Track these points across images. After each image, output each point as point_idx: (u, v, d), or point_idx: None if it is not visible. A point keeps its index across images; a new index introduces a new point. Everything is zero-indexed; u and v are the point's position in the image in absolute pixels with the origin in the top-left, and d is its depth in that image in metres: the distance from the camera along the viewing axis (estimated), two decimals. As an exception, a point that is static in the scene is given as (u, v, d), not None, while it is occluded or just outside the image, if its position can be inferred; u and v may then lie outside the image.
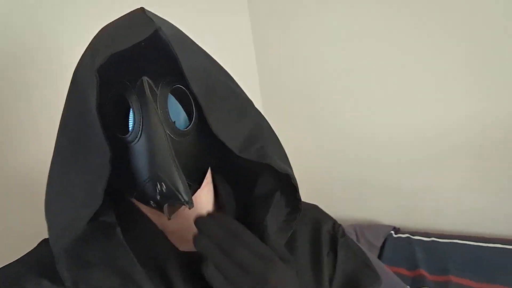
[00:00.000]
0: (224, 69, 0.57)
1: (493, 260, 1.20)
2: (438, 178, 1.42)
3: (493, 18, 1.20)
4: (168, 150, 0.46)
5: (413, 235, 1.39)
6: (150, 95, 0.46)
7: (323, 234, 0.63)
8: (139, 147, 0.47)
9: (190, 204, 0.46)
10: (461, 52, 1.28)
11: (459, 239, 1.31)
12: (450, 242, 1.32)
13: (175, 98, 0.51)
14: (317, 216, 0.66)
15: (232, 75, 0.58)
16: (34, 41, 0.91)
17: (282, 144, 0.59)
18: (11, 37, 0.87)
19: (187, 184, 0.46)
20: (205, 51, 0.56)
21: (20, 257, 0.53)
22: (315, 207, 0.69)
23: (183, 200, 0.45)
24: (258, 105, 0.59)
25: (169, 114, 0.48)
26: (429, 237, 1.37)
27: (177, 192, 0.45)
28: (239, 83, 0.58)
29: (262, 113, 0.58)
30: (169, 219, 0.50)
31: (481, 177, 1.34)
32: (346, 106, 1.55)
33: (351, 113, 1.54)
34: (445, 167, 1.40)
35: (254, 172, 0.60)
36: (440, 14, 1.28)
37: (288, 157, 0.59)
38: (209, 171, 0.57)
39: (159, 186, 0.46)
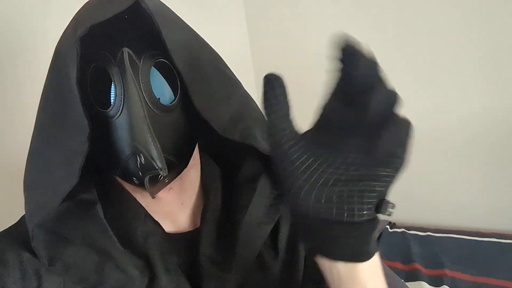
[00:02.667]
0: (212, 48, 0.56)
1: (488, 254, 1.18)
2: (434, 173, 1.41)
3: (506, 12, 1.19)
4: (143, 118, 0.44)
5: (409, 230, 1.38)
6: (129, 66, 0.45)
7: None
8: (121, 122, 0.46)
9: (164, 171, 0.45)
10: (469, 42, 1.25)
11: (454, 234, 1.30)
12: (446, 237, 1.30)
13: (160, 73, 0.50)
14: None
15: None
16: (11, 34, 0.88)
17: None
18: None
19: (161, 151, 0.45)
20: (191, 28, 0.55)
21: (1, 231, 0.52)
22: None
23: (157, 167, 0.44)
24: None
25: (151, 88, 0.47)
26: (425, 232, 1.35)
27: (151, 159, 0.44)
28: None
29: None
30: (153, 197, 0.49)
31: (477, 172, 1.33)
32: None
33: None
34: (440, 162, 1.39)
35: (241, 154, 0.59)
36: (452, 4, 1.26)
37: None
38: (196, 151, 0.56)
39: (139, 159, 0.44)
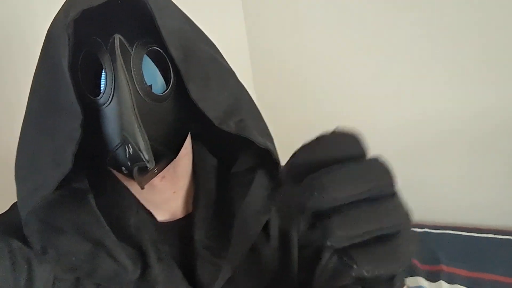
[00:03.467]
0: (207, 37, 0.56)
1: (485, 250, 1.18)
2: (431, 169, 1.40)
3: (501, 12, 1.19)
4: (132, 108, 0.43)
5: (406, 226, 1.38)
6: (120, 53, 0.44)
7: None
8: (111, 111, 0.45)
9: (151, 163, 0.44)
10: (476, 41, 1.24)
11: (451, 230, 1.30)
12: (443, 233, 1.30)
13: (153, 62, 0.49)
14: None
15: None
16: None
17: (275, 133, 0.57)
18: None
19: (148, 142, 0.44)
20: (187, 16, 0.54)
21: None
22: None
23: (144, 159, 0.44)
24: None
25: (143, 76, 0.46)
26: (422, 228, 1.35)
27: (138, 150, 0.43)
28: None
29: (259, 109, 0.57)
30: (142, 188, 0.48)
31: (474, 168, 1.33)
32: (337, 95, 1.53)
33: (344, 103, 1.52)
34: (437, 159, 1.38)
35: (237, 145, 0.58)
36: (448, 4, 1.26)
37: (283, 149, 0.57)
38: (188, 140, 0.56)
39: (127, 149, 0.44)
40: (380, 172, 0.31)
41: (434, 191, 1.42)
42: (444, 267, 1.16)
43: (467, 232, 1.27)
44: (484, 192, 1.32)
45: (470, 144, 1.31)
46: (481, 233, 1.25)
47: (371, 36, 1.41)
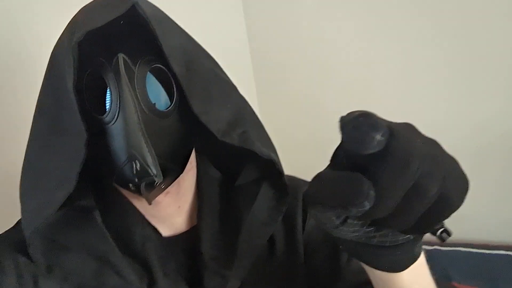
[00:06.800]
0: (208, 52, 0.57)
1: (496, 266, 1.17)
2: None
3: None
4: (138, 124, 0.44)
5: (416, 244, 1.36)
6: (124, 71, 0.45)
7: (299, 201, 0.61)
8: (116, 128, 0.46)
9: (159, 177, 0.44)
10: (446, 52, 1.26)
11: (462, 247, 1.28)
12: (453, 250, 1.29)
13: (156, 79, 0.50)
14: (293, 184, 0.62)
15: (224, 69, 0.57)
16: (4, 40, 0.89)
17: (278, 138, 0.58)
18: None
19: (155, 157, 0.44)
20: (187, 33, 0.55)
21: None
22: (292, 179, 0.65)
23: (151, 174, 0.44)
24: (254, 104, 0.57)
25: (147, 93, 0.47)
26: (432, 246, 1.34)
27: (146, 166, 0.44)
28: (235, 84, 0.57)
29: (258, 112, 0.57)
30: (149, 204, 0.48)
31: (483, 184, 1.31)
32: (344, 103, 1.51)
33: (347, 106, 1.49)
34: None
35: (240, 157, 0.59)
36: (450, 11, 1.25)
37: (284, 153, 0.57)
38: (193, 154, 0.56)
39: (134, 165, 0.44)
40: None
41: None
42: (456, 285, 1.15)
43: (478, 249, 1.25)
44: (495, 208, 1.30)
45: (478, 159, 1.29)
46: (492, 249, 1.23)
47: (373, 42, 1.40)
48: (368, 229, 0.33)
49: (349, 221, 0.32)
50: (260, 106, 1.62)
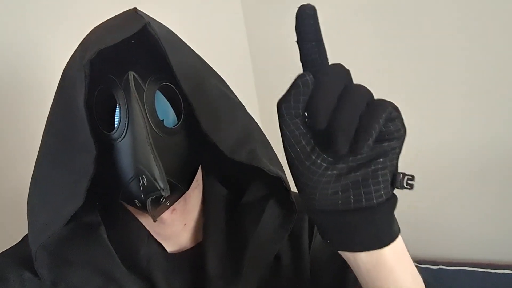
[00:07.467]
0: (216, 72, 0.58)
1: (502, 286, 1.16)
2: (445, 205, 1.38)
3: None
4: (146, 140, 0.45)
5: (420, 264, 1.35)
6: (134, 89, 0.46)
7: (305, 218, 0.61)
8: (124, 145, 0.46)
9: (166, 191, 0.45)
10: (480, 71, 1.23)
11: (467, 266, 1.27)
12: (458, 269, 1.28)
13: (165, 97, 0.51)
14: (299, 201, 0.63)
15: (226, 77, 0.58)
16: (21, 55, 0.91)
17: (279, 143, 0.58)
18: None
19: (163, 171, 0.45)
20: (196, 53, 0.57)
21: (4, 251, 0.53)
22: (298, 196, 0.65)
23: (159, 188, 0.44)
24: (254, 111, 0.58)
25: (156, 111, 0.48)
26: (437, 265, 1.33)
27: (153, 180, 0.44)
28: (236, 84, 0.58)
29: (259, 118, 0.58)
30: (154, 221, 0.49)
31: (489, 203, 1.31)
32: None
33: None
34: (451, 194, 1.36)
35: (246, 175, 0.59)
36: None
37: (284, 157, 0.58)
38: (199, 172, 0.56)
39: (141, 181, 0.45)
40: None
41: (449, 227, 1.39)
42: (462, 305, 1.13)
43: (483, 268, 1.24)
44: (500, 227, 1.29)
45: (486, 180, 1.29)
46: (498, 269, 1.22)
47: (374, 46, 1.40)
48: (332, 171, 0.37)
49: (316, 159, 0.37)
50: (261, 110, 1.62)
